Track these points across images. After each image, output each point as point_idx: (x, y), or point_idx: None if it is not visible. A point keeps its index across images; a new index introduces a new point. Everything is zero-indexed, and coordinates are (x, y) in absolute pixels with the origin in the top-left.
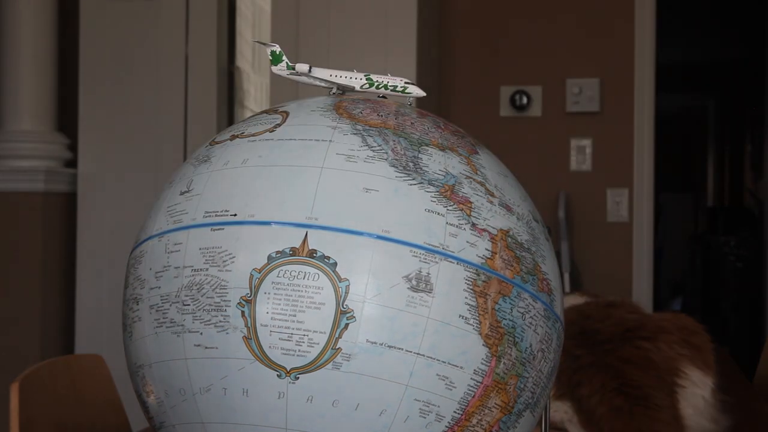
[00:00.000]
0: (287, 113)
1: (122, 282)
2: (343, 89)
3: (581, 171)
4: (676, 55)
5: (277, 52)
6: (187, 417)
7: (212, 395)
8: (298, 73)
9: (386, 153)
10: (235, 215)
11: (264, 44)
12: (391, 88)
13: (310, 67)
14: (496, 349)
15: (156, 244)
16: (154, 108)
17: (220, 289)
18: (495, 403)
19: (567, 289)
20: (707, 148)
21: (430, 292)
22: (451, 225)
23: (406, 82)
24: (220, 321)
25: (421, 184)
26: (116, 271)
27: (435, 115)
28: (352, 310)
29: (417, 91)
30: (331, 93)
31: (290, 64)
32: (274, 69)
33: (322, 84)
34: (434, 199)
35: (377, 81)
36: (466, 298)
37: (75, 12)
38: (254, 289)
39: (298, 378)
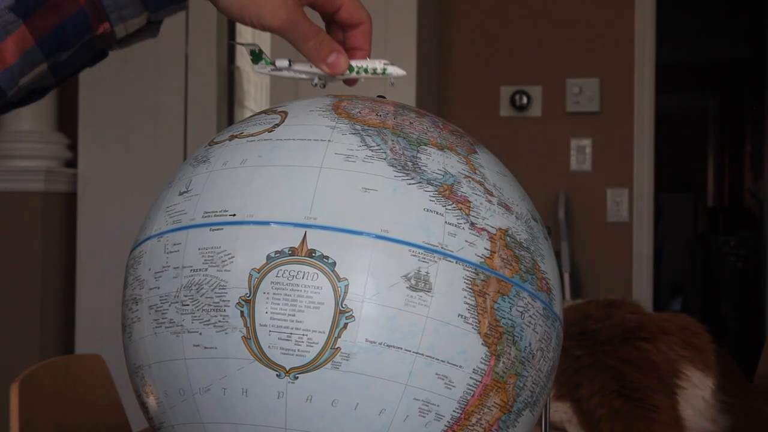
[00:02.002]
0: (286, 113)
1: (122, 282)
2: (324, 79)
3: (581, 171)
4: (676, 55)
5: (257, 51)
6: (187, 417)
7: (211, 395)
8: (279, 69)
9: (385, 153)
10: (234, 215)
11: (242, 44)
12: (371, 71)
13: (290, 61)
14: (495, 348)
15: (155, 244)
16: (154, 108)
17: (219, 289)
18: (494, 402)
19: (567, 289)
20: (707, 148)
21: (429, 292)
22: (450, 224)
23: (385, 64)
24: (220, 321)
25: (420, 184)
26: (116, 271)
27: (434, 115)
28: (351, 310)
29: (397, 71)
30: (312, 84)
31: (269, 60)
32: (255, 68)
33: (303, 76)
34: (433, 199)
35: (357, 66)
36: (465, 297)
37: None
38: (253, 289)
39: (298, 378)
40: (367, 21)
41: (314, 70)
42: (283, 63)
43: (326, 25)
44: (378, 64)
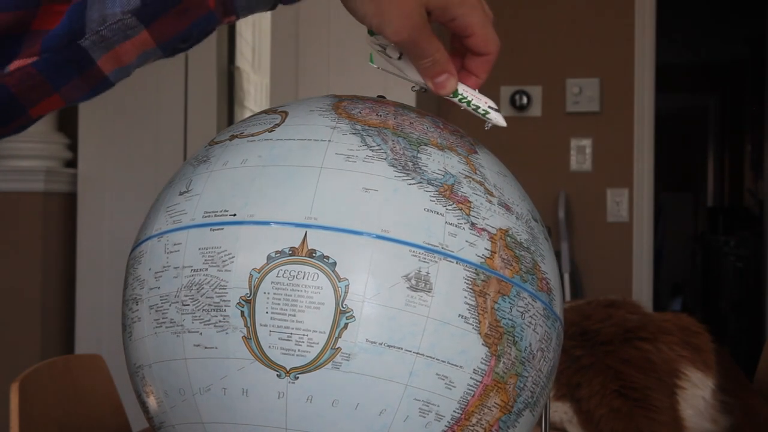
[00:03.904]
0: (286, 113)
1: (122, 282)
2: (425, 88)
3: (581, 171)
4: (676, 55)
5: None
6: (187, 417)
7: (212, 395)
8: (388, 56)
9: (385, 153)
10: (235, 215)
11: None
12: (474, 107)
13: (401, 55)
14: (496, 348)
15: (155, 244)
16: (154, 108)
17: (220, 289)
18: (494, 403)
19: (567, 289)
20: (707, 148)
21: (429, 292)
22: (450, 224)
23: (489, 106)
24: (220, 321)
25: (420, 184)
26: (116, 271)
27: (434, 115)
28: (352, 310)
29: (498, 119)
30: (412, 89)
31: (384, 44)
32: (368, 40)
33: (406, 77)
34: (433, 199)
35: (462, 94)
36: (465, 297)
37: None
38: (254, 289)
39: (298, 378)
40: (495, 53)
41: (419, 78)
42: (394, 53)
43: (451, 36)
44: (482, 103)
